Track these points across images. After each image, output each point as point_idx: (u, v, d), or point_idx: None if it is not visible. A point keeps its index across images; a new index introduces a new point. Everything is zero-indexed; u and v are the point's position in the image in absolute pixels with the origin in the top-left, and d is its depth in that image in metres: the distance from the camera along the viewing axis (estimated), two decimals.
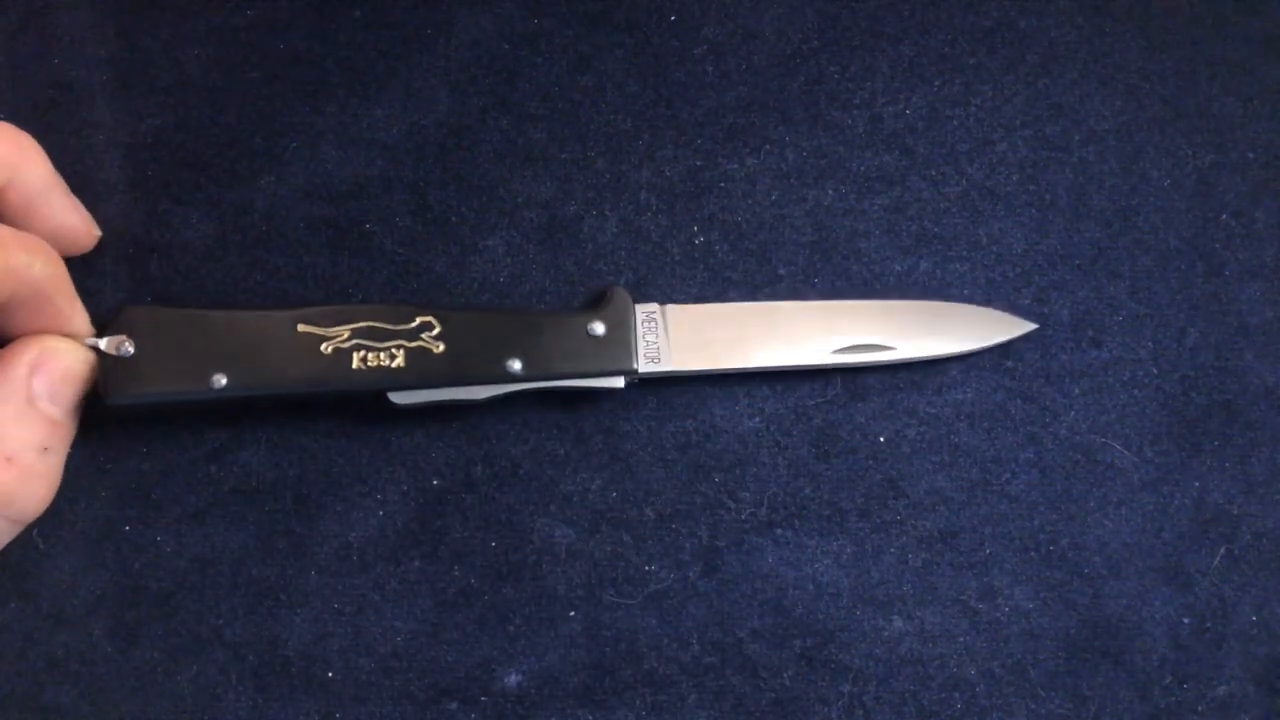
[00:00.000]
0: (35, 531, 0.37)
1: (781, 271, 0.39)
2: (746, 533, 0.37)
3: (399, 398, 0.36)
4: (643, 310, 0.37)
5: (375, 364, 0.35)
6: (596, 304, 0.37)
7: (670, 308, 0.37)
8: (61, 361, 0.33)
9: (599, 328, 0.36)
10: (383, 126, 0.39)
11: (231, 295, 0.38)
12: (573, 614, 0.37)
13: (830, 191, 0.39)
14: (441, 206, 0.38)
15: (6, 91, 0.38)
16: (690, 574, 0.37)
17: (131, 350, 0.34)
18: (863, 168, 0.39)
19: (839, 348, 0.37)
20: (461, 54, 0.39)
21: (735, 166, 0.39)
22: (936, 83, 0.39)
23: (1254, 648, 0.38)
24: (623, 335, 0.36)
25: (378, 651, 0.36)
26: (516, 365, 0.35)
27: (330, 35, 0.39)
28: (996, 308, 0.38)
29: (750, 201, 0.39)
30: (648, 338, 0.36)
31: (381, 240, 0.38)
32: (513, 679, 0.37)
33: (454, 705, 0.36)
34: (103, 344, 0.34)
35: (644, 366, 0.36)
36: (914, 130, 0.39)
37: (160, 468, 0.37)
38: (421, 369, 0.35)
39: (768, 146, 0.39)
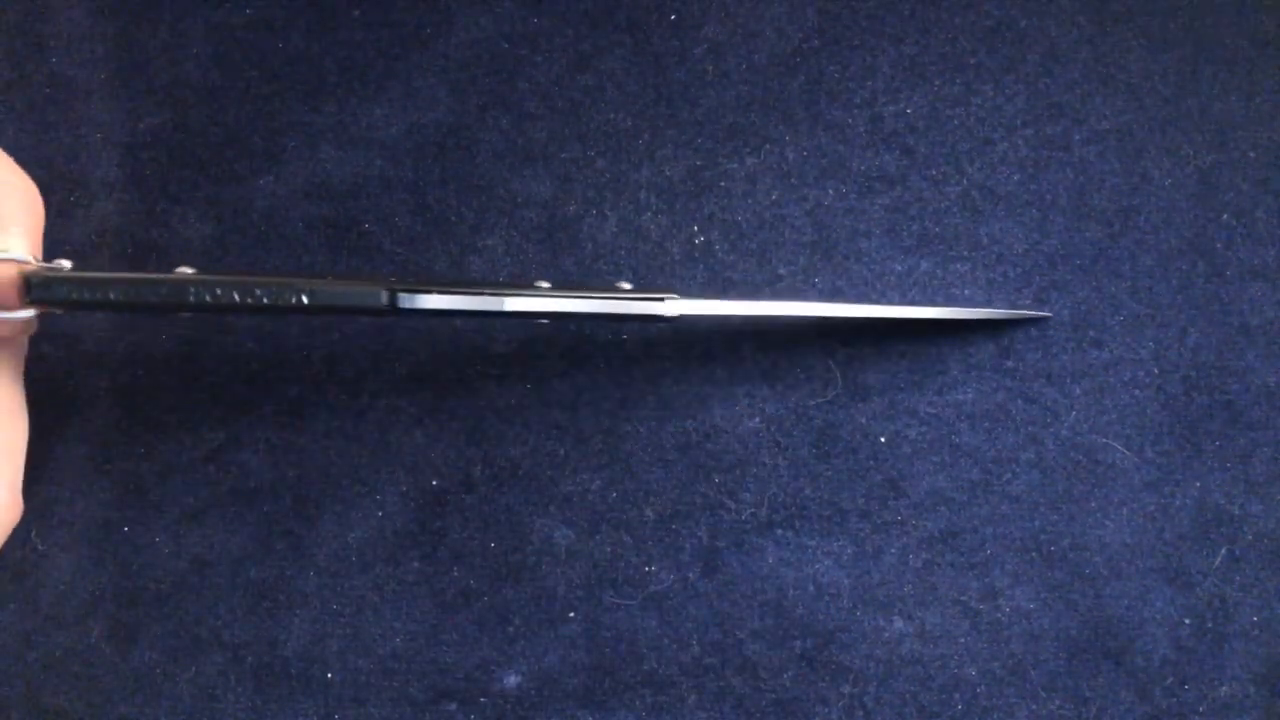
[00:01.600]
0: (34, 532, 0.36)
1: (781, 271, 0.38)
2: (746, 533, 0.37)
3: (412, 302, 0.31)
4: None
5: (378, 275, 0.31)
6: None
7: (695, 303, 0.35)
8: None
9: (625, 285, 0.34)
10: (382, 126, 0.39)
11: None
12: (572, 615, 0.37)
13: (830, 191, 0.39)
14: (441, 206, 0.38)
15: (5, 90, 0.38)
16: (690, 575, 0.37)
17: (69, 264, 0.30)
18: (863, 167, 0.39)
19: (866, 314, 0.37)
20: (461, 53, 0.39)
21: (735, 166, 0.39)
22: (937, 82, 0.39)
23: (1255, 648, 0.37)
24: (654, 286, 0.34)
25: (377, 653, 0.36)
26: (545, 284, 0.33)
27: (329, 35, 0.39)
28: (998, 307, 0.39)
29: (750, 201, 0.39)
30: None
31: (380, 240, 0.38)
32: (512, 680, 0.36)
33: (453, 706, 0.36)
34: (31, 258, 0.30)
35: (680, 301, 0.34)
36: (914, 130, 0.39)
37: (159, 468, 0.37)
38: (431, 280, 0.32)
39: (768, 146, 0.39)
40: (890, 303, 0.38)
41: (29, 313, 0.30)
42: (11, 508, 0.30)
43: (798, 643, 0.37)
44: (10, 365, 0.31)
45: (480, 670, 0.36)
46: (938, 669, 0.37)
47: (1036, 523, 0.38)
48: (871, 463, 0.38)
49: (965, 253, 0.39)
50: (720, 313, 0.35)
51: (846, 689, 0.37)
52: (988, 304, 0.39)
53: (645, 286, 0.34)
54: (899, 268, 0.39)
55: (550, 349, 0.38)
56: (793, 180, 0.39)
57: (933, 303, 0.38)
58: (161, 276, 0.30)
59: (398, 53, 0.39)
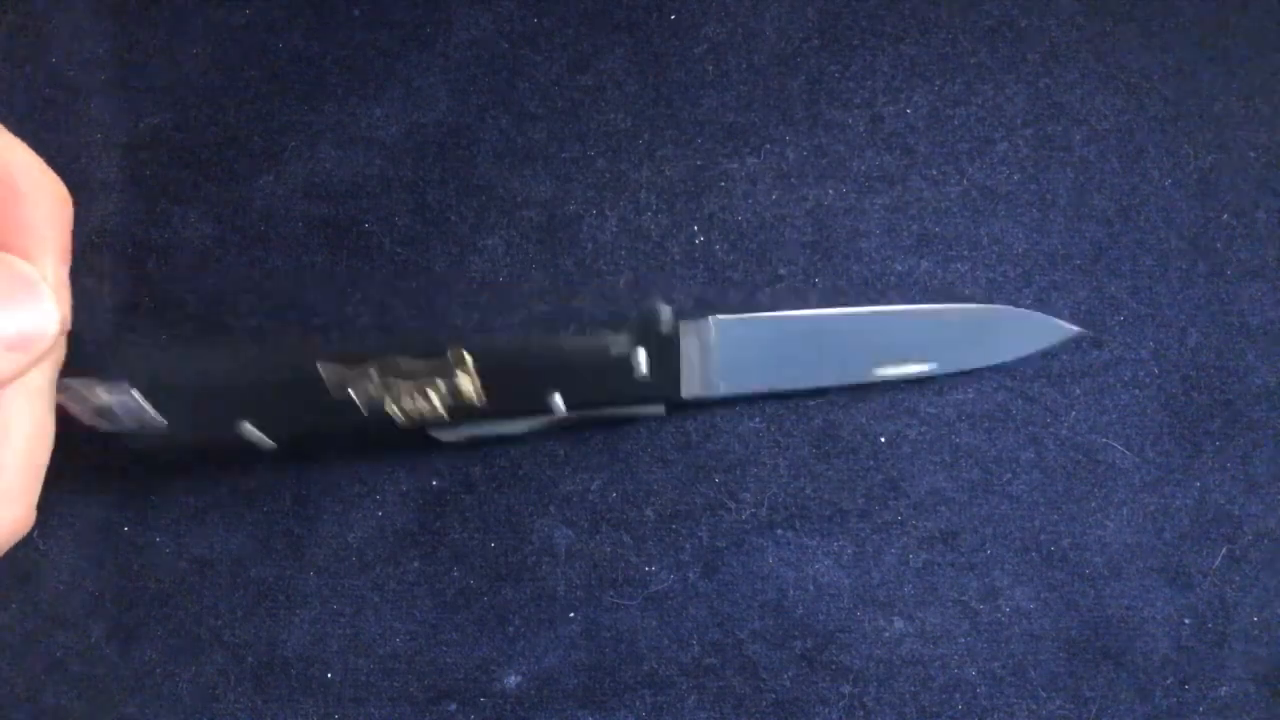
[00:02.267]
0: (35, 532, 0.36)
1: (782, 271, 0.38)
2: (747, 533, 0.37)
3: (441, 434, 0.35)
4: (685, 327, 0.35)
5: (411, 408, 0.33)
6: (641, 324, 0.35)
7: (713, 321, 0.36)
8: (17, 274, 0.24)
9: (641, 353, 0.35)
10: (382, 126, 0.39)
11: (231, 295, 0.37)
12: (572, 615, 0.37)
13: (830, 191, 0.39)
14: (441, 206, 0.38)
15: (6, 90, 0.38)
16: (690, 575, 0.37)
17: (150, 409, 0.32)
18: (863, 167, 0.39)
19: (881, 364, 0.37)
20: (461, 53, 0.39)
21: (735, 166, 0.39)
22: (937, 82, 0.39)
23: (1256, 648, 0.37)
24: (666, 360, 0.35)
25: (377, 653, 0.36)
26: (557, 398, 0.34)
27: (329, 35, 0.39)
28: (1034, 308, 0.38)
29: (750, 201, 0.39)
30: (690, 357, 0.35)
31: (380, 239, 0.38)
32: (512, 680, 0.36)
33: (453, 706, 0.36)
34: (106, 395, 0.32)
35: (688, 392, 0.35)
36: (915, 130, 0.39)
37: (159, 468, 0.37)
38: (459, 409, 0.34)
39: (768, 146, 0.39)
40: (892, 304, 0.38)
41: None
42: (24, 521, 0.29)
43: (798, 643, 0.37)
44: (43, 374, 0.30)
45: (480, 670, 0.36)
46: (938, 669, 0.37)
47: (1036, 523, 0.38)
48: (871, 463, 0.38)
49: (965, 253, 0.39)
50: (722, 395, 0.36)
51: (846, 689, 0.37)
52: (988, 304, 0.38)
53: (647, 393, 0.35)
54: (899, 267, 0.39)
55: None
56: (793, 180, 0.39)
57: (933, 304, 0.39)
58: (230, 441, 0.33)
59: (398, 53, 0.39)
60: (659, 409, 0.36)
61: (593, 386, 0.34)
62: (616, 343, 0.35)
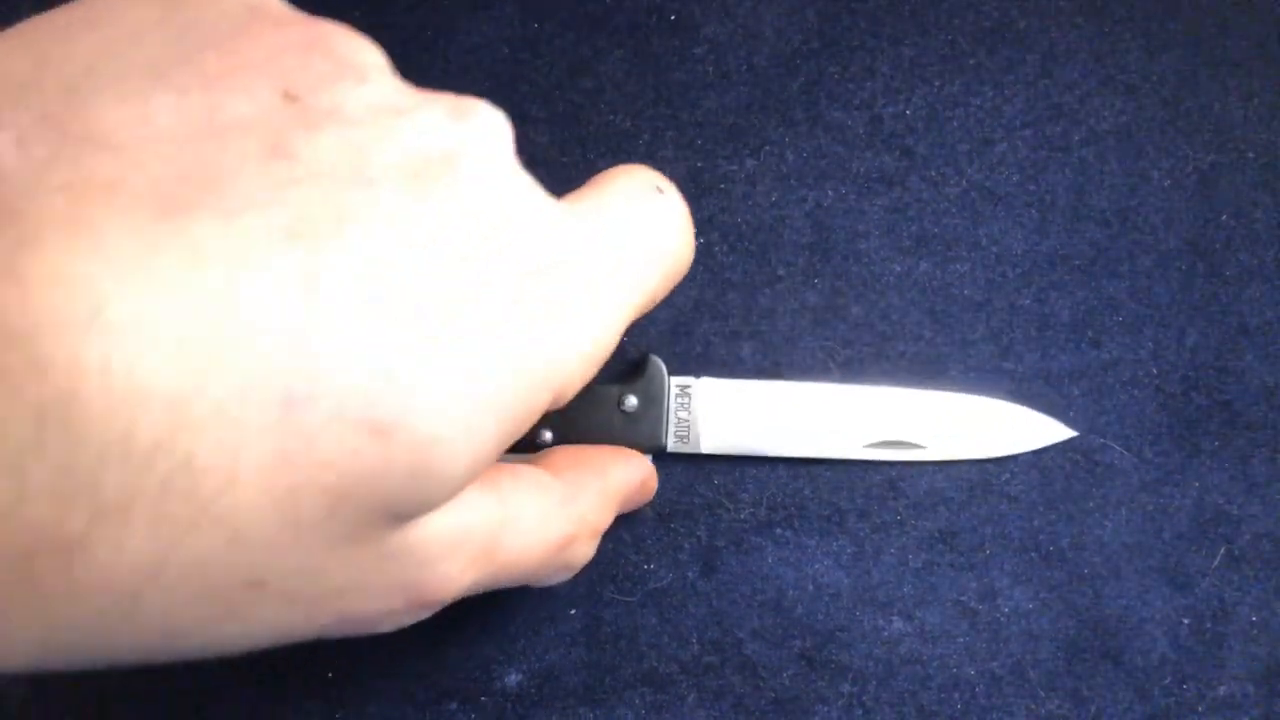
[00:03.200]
0: None
1: (781, 272, 0.39)
2: (746, 532, 0.37)
3: None
4: (676, 383, 0.37)
5: None
6: (631, 374, 0.37)
7: (704, 382, 0.37)
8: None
9: (631, 401, 0.36)
10: None
11: None
12: (573, 612, 0.37)
13: (830, 192, 0.39)
14: None
15: None
16: (690, 574, 0.37)
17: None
18: (863, 168, 0.39)
19: (870, 442, 0.37)
20: (461, 57, 0.39)
21: (735, 167, 0.39)
22: (937, 83, 0.39)
23: (1254, 648, 0.38)
24: (654, 412, 0.36)
25: (377, 653, 0.37)
26: (548, 436, 0.36)
27: None
28: (1035, 408, 0.38)
29: (750, 202, 0.39)
30: (679, 414, 0.37)
31: None
32: (513, 678, 0.37)
33: (454, 705, 0.37)
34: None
35: (673, 445, 0.37)
36: (914, 131, 0.39)
37: None
38: None
39: (768, 147, 0.39)
40: (890, 305, 0.38)
41: None
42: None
43: (797, 642, 0.37)
44: None
45: (481, 669, 0.37)
46: (937, 668, 0.37)
47: (1035, 523, 0.38)
48: (871, 462, 0.38)
49: (965, 253, 0.39)
50: (706, 453, 0.37)
51: (846, 688, 0.37)
52: (987, 304, 0.39)
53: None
54: (898, 268, 0.39)
55: None
56: (792, 181, 0.39)
57: (933, 306, 0.39)
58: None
59: (398, 57, 0.39)
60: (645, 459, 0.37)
61: (581, 428, 0.36)
62: (608, 389, 0.36)
